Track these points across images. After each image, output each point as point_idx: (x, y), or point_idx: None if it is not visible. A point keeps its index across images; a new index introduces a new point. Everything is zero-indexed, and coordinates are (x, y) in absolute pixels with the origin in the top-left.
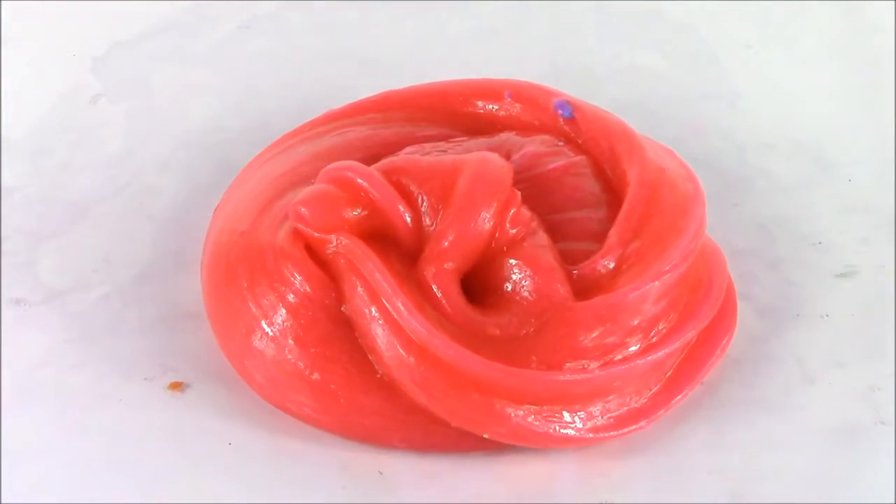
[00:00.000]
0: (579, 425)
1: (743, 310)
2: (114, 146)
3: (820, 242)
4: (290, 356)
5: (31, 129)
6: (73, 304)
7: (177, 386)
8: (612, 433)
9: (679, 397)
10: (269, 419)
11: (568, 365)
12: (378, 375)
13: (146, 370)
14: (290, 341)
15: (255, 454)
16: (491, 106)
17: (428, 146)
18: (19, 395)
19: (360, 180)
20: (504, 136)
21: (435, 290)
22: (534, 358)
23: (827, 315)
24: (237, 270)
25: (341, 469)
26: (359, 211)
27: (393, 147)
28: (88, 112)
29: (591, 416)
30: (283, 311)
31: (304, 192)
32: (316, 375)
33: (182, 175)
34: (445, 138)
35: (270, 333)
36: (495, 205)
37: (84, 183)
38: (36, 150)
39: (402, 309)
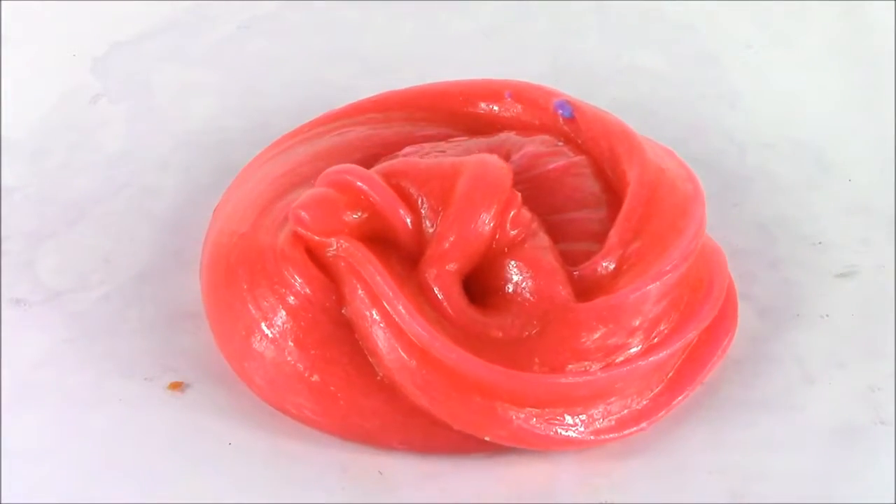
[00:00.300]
0: (581, 427)
1: (743, 310)
2: (114, 146)
3: (820, 242)
4: (289, 358)
5: (32, 129)
6: (74, 303)
7: (177, 386)
8: (613, 435)
9: (680, 398)
10: (269, 419)
11: (570, 367)
12: (378, 377)
13: (146, 370)
14: (290, 343)
15: (255, 454)
16: (491, 106)
17: (427, 146)
18: (19, 394)
19: (359, 184)
20: (504, 135)
21: (436, 292)
22: (536, 360)
23: (827, 315)
24: (237, 272)
25: (341, 469)
26: (359, 214)
27: (392, 147)
28: (88, 112)
29: (592, 419)
30: (284, 313)
31: (304, 195)
32: (315, 377)
33: (182, 175)
34: (445, 138)
35: (270, 335)
36: (495, 206)
37: (84, 183)
38: (36, 151)
39: (404, 312)
